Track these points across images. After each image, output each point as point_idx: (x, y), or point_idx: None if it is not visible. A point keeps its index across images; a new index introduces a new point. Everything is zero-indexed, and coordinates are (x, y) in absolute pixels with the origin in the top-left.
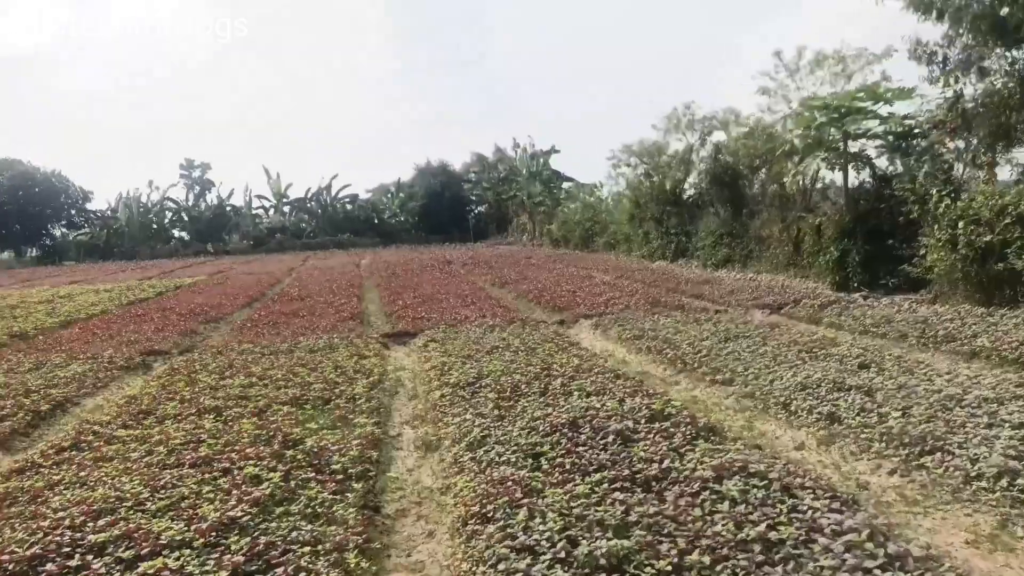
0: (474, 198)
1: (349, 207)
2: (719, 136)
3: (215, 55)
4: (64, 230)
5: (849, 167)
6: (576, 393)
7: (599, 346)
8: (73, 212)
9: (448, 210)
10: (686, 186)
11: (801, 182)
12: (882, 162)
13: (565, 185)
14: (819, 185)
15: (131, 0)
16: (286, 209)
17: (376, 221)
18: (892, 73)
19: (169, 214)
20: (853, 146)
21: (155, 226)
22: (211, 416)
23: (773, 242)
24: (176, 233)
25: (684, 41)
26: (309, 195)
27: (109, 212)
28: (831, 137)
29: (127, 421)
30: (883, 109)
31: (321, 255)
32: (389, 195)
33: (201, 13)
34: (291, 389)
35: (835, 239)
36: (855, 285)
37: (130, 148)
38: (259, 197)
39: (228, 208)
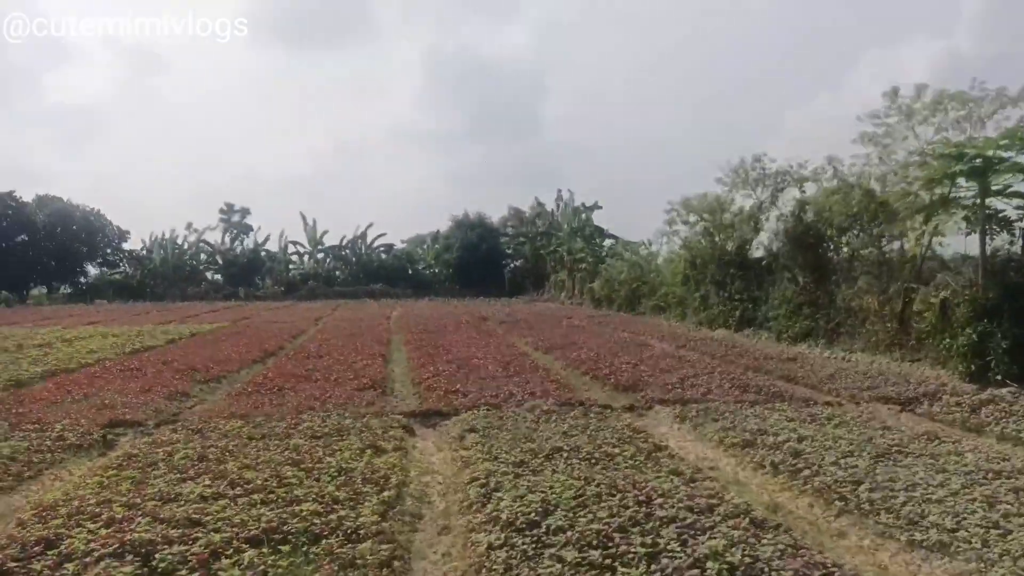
0: (510, 252)
1: (383, 256)
2: (794, 192)
3: (262, 99)
4: (99, 269)
5: (987, 230)
6: (712, 564)
7: (693, 451)
8: (109, 251)
9: (484, 263)
10: (753, 246)
11: (926, 245)
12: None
13: (607, 242)
14: (937, 251)
15: (184, 57)
16: (320, 256)
17: (410, 272)
18: None
19: (204, 256)
20: (992, 204)
21: (188, 268)
22: (131, 566)
23: (869, 316)
24: (210, 276)
25: (735, 110)
26: (344, 242)
27: (144, 252)
28: (964, 193)
29: (6, 563)
30: None
31: (352, 305)
32: (425, 246)
33: (253, 62)
34: (269, 510)
35: (970, 319)
36: (998, 377)
37: (173, 191)
38: (294, 243)
39: (263, 253)
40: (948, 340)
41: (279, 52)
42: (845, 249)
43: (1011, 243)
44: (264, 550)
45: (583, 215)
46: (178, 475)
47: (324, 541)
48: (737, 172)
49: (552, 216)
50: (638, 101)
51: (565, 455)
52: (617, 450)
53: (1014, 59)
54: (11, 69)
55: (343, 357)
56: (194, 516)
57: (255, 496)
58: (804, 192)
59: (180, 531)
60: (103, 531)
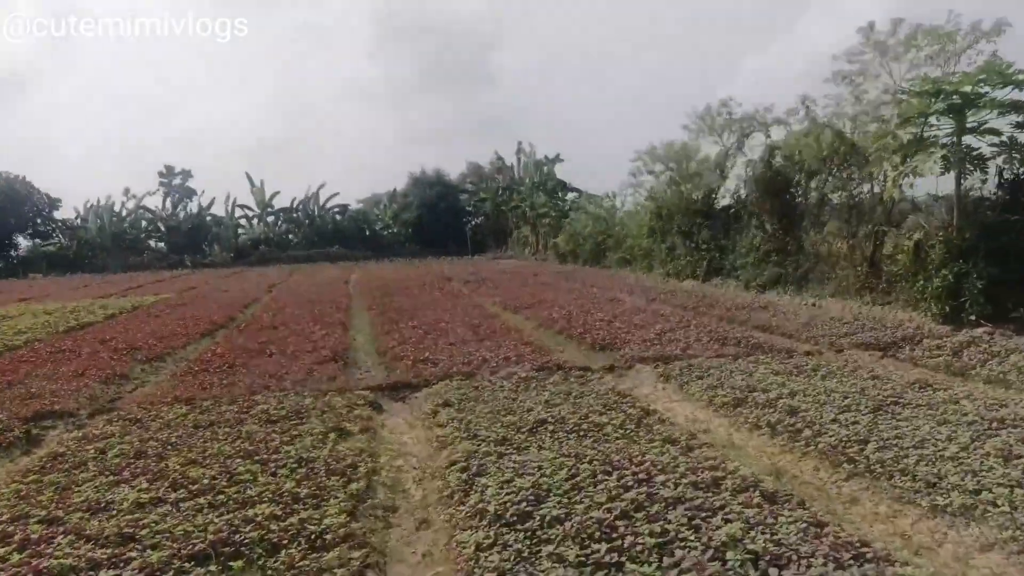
0: (471, 209)
1: (338, 218)
2: (760, 138)
3: (202, 58)
4: (32, 241)
5: (962, 169)
6: (732, 554)
7: (682, 413)
8: (39, 221)
9: (444, 222)
10: (719, 195)
11: (901, 186)
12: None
13: (570, 196)
14: (907, 193)
15: (114, 7)
16: (270, 219)
17: (367, 233)
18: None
19: (145, 224)
20: (966, 142)
21: (129, 237)
22: None
23: (839, 261)
24: (153, 244)
25: (697, 51)
26: (295, 204)
27: (78, 221)
28: (937, 132)
29: None
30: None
31: (307, 269)
32: (382, 206)
33: (191, 15)
34: (218, 516)
35: (945, 260)
36: (972, 318)
37: (107, 155)
38: (241, 207)
39: (208, 218)
40: (922, 282)
41: (220, 5)
42: (814, 194)
43: (984, 182)
44: (212, 568)
45: (545, 168)
46: (111, 477)
47: (284, 551)
48: (703, 118)
49: (513, 171)
50: (598, 52)
51: (551, 428)
52: (604, 419)
53: None
54: None
55: (300, 327)
56: (127, 530)
57: (201, 499)
58: (770, 137)
59: (110, 551)
60: (15, 557)
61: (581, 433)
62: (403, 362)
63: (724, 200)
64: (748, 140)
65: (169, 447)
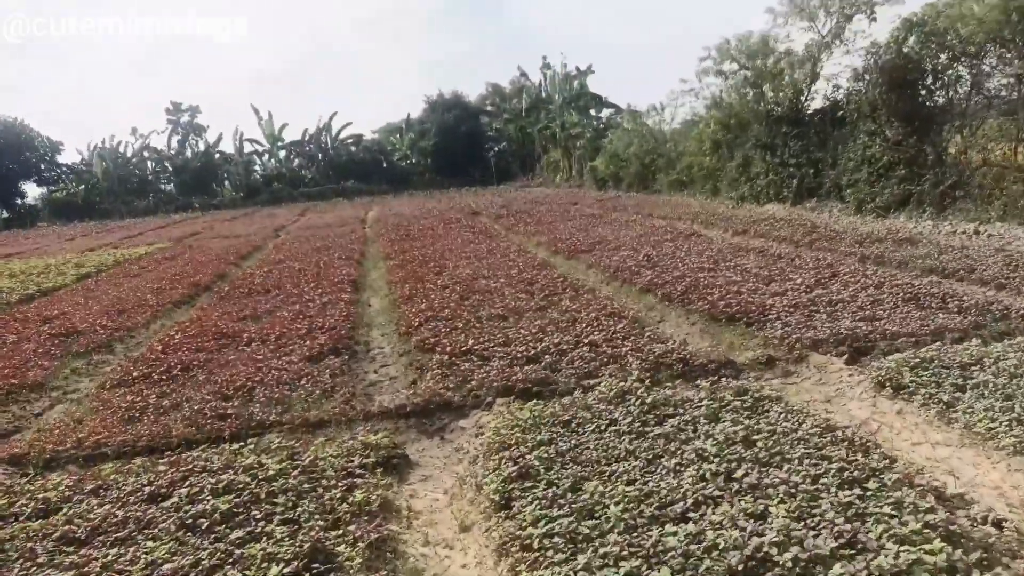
0: (493, 134)
1: (353, 149)
2: (862, 25)
3: None
4: (43, 188)
5: None
6: None
7: (988, 482)
8: (42, 167)
9: (465, 149)
10: (809, 97)
11: None
12: None
13: (606, 112)
14: None
15: None
16: (282, 155)
17: (384, 164)
18: None
19: (152, 165)
20: None
21: (136, 179)
22: None
23: (1004, 174)
24: (162, 187)
25: None
26: (307, 137)
27: (83, 165)
28: None
29: None
30: None
31: (321, 207)
32: (398, 134)
33: None
34: None
35: None
36: None
37: (110, 92)
38: (250, 141)
39: (217, 155)
40: None
41: None
42: (961, 87)
43: None
44: None
45: (576, 83)
46: None
47: None
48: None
49: (539, 89)
50: None
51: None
52: (830, 500)
53: None
54: None
55: (299, 290)
56: None
57: None
58: (875, 19)
59: None
60: None
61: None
62: (436, 356)
63: (816, 103)
64: (849, 25)
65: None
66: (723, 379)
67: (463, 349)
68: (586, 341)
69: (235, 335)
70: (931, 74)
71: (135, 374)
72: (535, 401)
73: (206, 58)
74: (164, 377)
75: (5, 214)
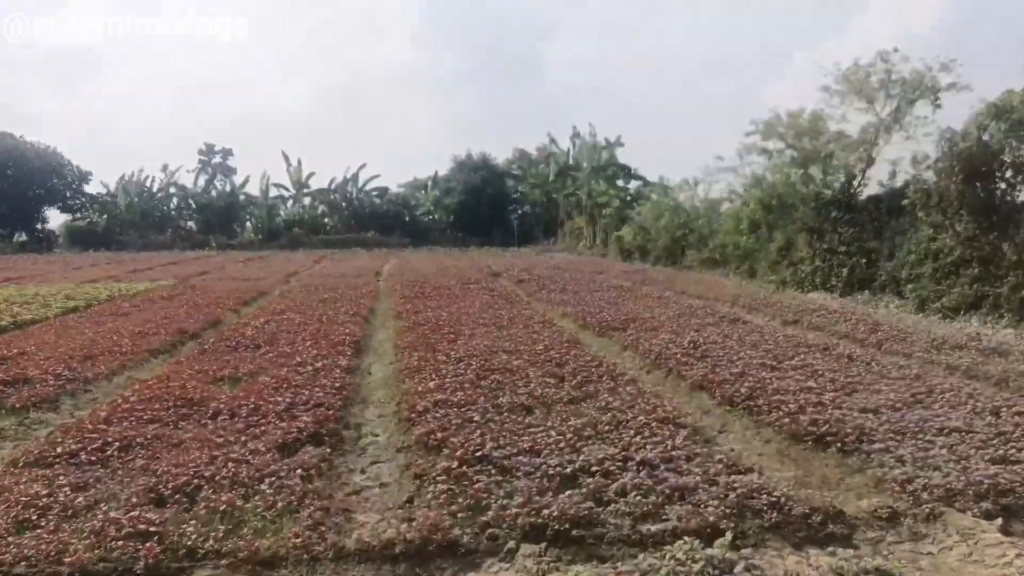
0: (518, 197)
1: (377, 201)
2: (925, 110)
3: (253, 41)
4: (66, 215)
5: None
6: None
7: None
8: (68, 194)
9: (488, 209)
10: (862, 181)
11: None
12: None
13: (633, 184)
14: None
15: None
16: (306, 201)
17: (407, 218)
18: None
19: (176, 201)
20: None
21: (159, 214)
22: None
23: None
24: (184, 223)
25: (743, 53)
26: (333, 186)
27: (108, 196)
28: None
29: None
30: None
31: (339, 255)
32: (424, 190)
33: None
34: None
35: None
36: None
37: (149, 135)
38: (277, 186)
39: (242, 197)
40: None
41: None
42: None
43: None
44: None
45: (604, 153)
46: None
47: None
48: (848, 78)
49: (567, 156)
50: (652, 44)
51: None
52: None
53: None
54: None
55: (294, 348)
56: None
57: None
58: (939, 106)
59: None
60: None
61: None
62: (442, 459)
63: (869, 189)
64: (912, 109)
65: None
66: (831, 540)
67: (477, 453)
68: (637, 459)
69: (202, 403)
70: (1011, 166)
71: (59, 450)
72: (576, 561)
73: (242, 101)
74: (94, 459)
75: (24, 237)
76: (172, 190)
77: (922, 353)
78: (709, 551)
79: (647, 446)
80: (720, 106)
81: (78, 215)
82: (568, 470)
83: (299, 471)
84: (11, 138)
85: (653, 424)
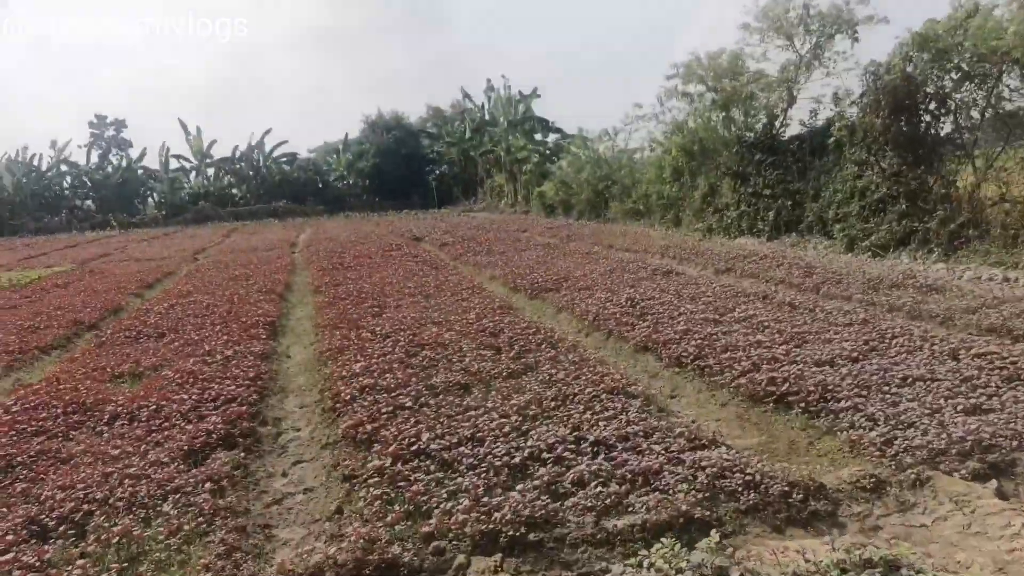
0: (434, 156)
1: (287, 168)
2: (844, 45)
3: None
4: None
5: None
6: None
7: None
8: None
9: (404, 171)
10: (783, 122)
11: None
12: None
13: (552, 137)
14: None
15: None
16: (210, 172)
17: (320, 185)
18: None
19: (70, 180)
20: None
21: (50, 195)
22: None
23: None
24: (79, 203)
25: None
26: (238, 154)
27: None
28: None
29: None
30: None
31: (250, 227)
32: (335, 154)
33: None
34: None
35: None
36: None
37: (39, 109)
38: (177, 157)
39: (140, 171)
40: None
41: None
42: (976, 112)
43: None
44: None
45: (520, 106)
46: None
47: None
48: (767, 14)
49: (483, 111)
50: None
51: None
52: None
53: None
54: None
55: (202, 334)
56: None
57: None
58: (857, 40)
59: None
60: None
61: None
62: (373, 456)
63: (792, 129)
64: (830, 45)
65: None
66: (815, 519)
67: (413, 447)
68: (591, 439)
69: (96, 407)
70: (935, 98)
71: None
72: (536, 572)
73: (131, 68)
74: None
75: None
76: (64, 168)
77: (861, 295)
78: (695, 555)
79: (600, 423)
80: (639, 50)
81: None
82: (516, 459)
83: (208, 484)
84: None
85: (603, 396)
